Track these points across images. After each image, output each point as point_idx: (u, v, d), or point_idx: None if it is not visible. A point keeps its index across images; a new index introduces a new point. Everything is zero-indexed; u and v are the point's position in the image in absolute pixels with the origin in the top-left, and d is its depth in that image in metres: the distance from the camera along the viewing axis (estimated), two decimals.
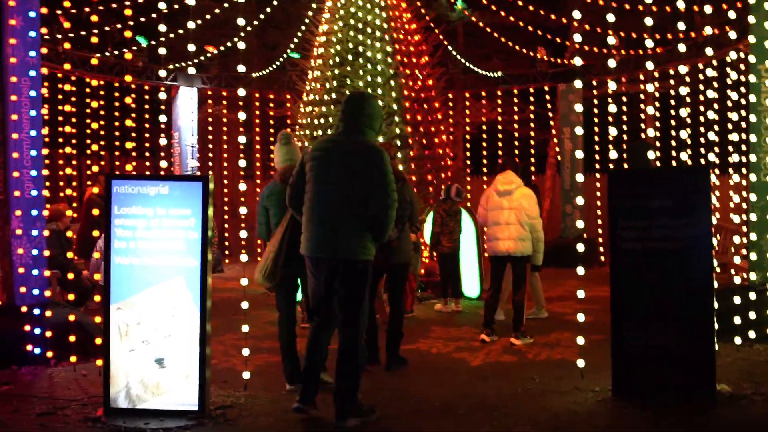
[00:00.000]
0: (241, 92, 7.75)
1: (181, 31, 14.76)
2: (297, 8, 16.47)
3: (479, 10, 18.59)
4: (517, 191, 8.69)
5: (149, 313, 5.85)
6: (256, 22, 16.18)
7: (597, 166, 18.14)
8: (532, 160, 19.20)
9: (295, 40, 15.85)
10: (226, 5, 15.34)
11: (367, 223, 5.48)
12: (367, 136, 5.65)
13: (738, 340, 7.71)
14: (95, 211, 8.65)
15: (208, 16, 15.36)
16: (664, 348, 6.01)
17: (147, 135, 18.61)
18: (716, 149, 9.86)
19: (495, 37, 17.66)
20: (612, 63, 7.66)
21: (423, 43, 13.42)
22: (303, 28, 14.68)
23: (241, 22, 6.48)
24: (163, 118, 8.07)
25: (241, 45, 6.70)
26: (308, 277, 5.78)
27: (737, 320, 7.68)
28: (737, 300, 7.75)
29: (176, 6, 12.05)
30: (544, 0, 17.43)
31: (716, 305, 6.89)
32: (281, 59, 16.88)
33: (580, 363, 6.64)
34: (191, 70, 14.92)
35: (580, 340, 6.72)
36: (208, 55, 16.42)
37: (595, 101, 17.53)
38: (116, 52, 14.56)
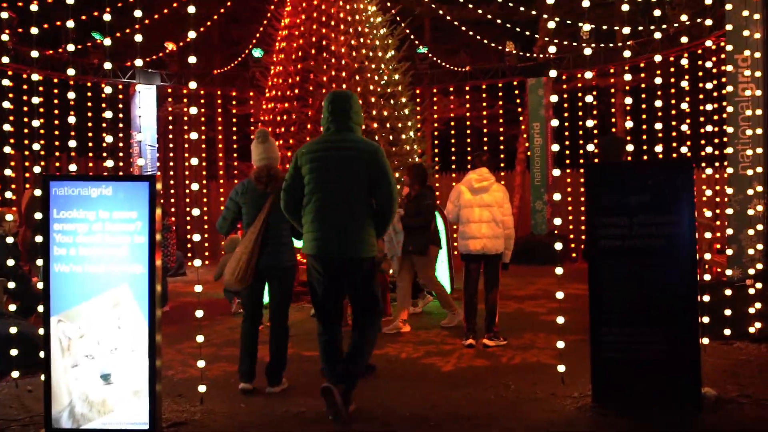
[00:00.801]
0: (192, 85, 7.34)
1: (138, 27, 14.33)
2: (259, 2, 16.00)
3: (447, 4, 18.24)
4: (492, 187, 8.35)
5: (93, 325, 5.38)
6: (216, 17, 15.68)
7: (567, 161, 17.90)
8: (502, 156, 18.89)
9: (258, 35, 15.37)
10: None
11: (370, 219, 5.59)
12: (357, 132, 5.74)
13: (712, 339, 7.40)
14: (37, 215, 8.12)
15: (166, 11, 14.84)
16: (646, 351, 5.66)
17: (104, 134, 18.00)
18: (689, 142, 9.60)
19: (463, 31, 17.31)
20: (588, 51, 7.26)
21: (388, 37, 13.00)
22: (265, 22, 14.21)
23: (191, 9, 5.98)
24: (108, 114, 7.52)
25: (192, 34, 6.21)
26: (313, 278, 5.74)
27: (707, 319, 7.37)
28: (707, 298, 7.44)
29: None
30: None
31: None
32: (243, 56, 16.39)
33: (561, 368, 6.29)
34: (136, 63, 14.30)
35: (560, 344, 6.35)
36: (167, 51, 15.87)
37: (565, 95, 17.27)
38: (70, 49, 13.94)
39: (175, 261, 11.52)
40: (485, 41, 16.89)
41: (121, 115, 16.42)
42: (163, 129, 17.72)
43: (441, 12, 17.23)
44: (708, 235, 9.64)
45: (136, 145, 16.32)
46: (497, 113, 19.29)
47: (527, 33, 17.07)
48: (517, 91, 18.69)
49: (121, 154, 16.64)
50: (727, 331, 7.54)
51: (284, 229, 6.44)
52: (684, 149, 7.09)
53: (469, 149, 17.88)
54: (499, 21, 16.29)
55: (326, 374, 5.80)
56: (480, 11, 16.32)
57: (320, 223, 5.56)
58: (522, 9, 15.76)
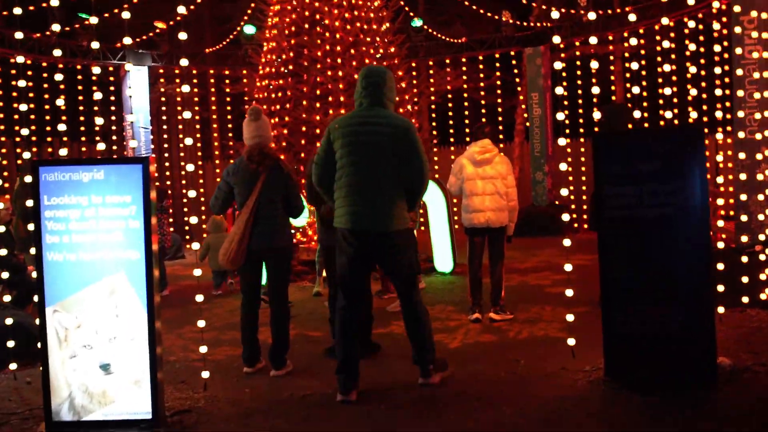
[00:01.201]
0: (184, 62, 7.14)
1: (126, 7, 14.04)
2: None
3: None
4: (495, 159, 8.17)
5: (90, 315, 5.20)
6: None
7: (567, 131, 17.68)
8: (500, 127, 18.65)
9: (249, 11, 15.07)
10: None
11: (401, 193, 5.63)
12: (389, 109, 5.72)
13: (725, 307, 7.24)
14: (28, 202, 7.93)
15: None
16: (660, 323, 5.49)
17: (96, 117, 17.73)
18: (690, 108, 9.39)
19: (457, 1, 17.00)
20: (592, 15, 7.03)
21: (383, 9, 12.73)
22: None
23: None
24: (98, 96, 7.32)
25: (181, 9, 6.00)
26: (339, 253, 5.75)
27: (721, 288, 7.22)
28: (721, 266, 7.27)
29: None
30: None
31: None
32: (234, 33, 16.10)
33: (571, 341, 6.14)
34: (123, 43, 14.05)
35: (569, 317, 6.21)
36: (157, 31, 15.58)
37: (563, 64, 17.01)
38: (56, 29, 13.67)
39: (170, 242, 11.34)
40: (481, 11, 16.59)
41: (112, 98, 16.16)
42: (156, 110, 17.46)
43: None
44: (720, 201, 9.46)
45: (128, 127, 16.07)
46: (495, 84, 19.00)
47: (524, 1, 16.77)
48: (514, 62, 18.42)
49: (114, 137, 16.37)
50: (745, 299, 7.38)
51: (278, 209, 6.30)
52: (694, 114, 6.93)
53: (467, 122, 17.65)
54: None
55: (337, 353, 5.73)
56: None
57: (352, 197, 5.58)
58: None
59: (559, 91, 6.48)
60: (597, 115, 6.38)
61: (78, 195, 5.20)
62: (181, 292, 11.25)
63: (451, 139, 19.10)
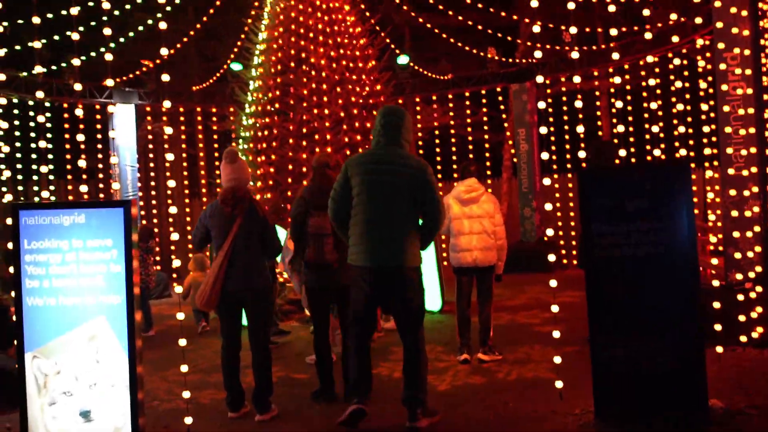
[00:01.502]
0: (167, 104, 7.10)
1: (113, 45, 14.05)
2: (236, 16, 15.74)
3: (426, 11, 18.04)
4: (481, 198, 8.12)
5: (70, 361, 5.13)
6: (192, 32, 15.41)
7: (554, 167, 17.72)
8: (488, 163, 18.66)
9: (235, 50, 15.11)
10: (159, 15, 14.52)
11: (415, 231, 5.76)
12: (405, 149, 5.86)
13: (720, 348, 7.17)
14: (10, 245, 7.84)
15: (141, 28, 14.56)
16: (650, 363, 5.43)
17: (84, 156, 17.64)
18: (677, 143, 9.41)
19: (443, 38, 17.09)
20: (575, 54, 7.05)
21: (369, 47, 12.77)
22: (243, 36, 13.95)
23: (163, 25, 5.75)
24: (80, 137, 7.27)
25: (164, 51, 5.96)
26: (355, 290, 5.85)
27: (719, 326, 7.16)
28: (717, 305, 7.21)
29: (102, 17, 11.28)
30: None
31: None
32: (221, 71, 16.12)
33: (559, 384, 6.05)
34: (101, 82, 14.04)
35: (557, 359, 6.12)
36: (144, 70, 15.58)
37: (549, 100, 17.10)
38: (44, 71, 13.66)
39: (154, 282, 11.22)
40: (466, 48, 16.68)
41: (99, 136, 16.11)
42: (144, 148, 17.39)
43: (420, 20, 16.99)
44: (713, 238, 9.46)
45: (116, 166, 15.98)
46: (481, 120, 19.06)
47: (509, 38, 16.88)
48: (500, 98, 18.50)
49: (100, 176, 16.28)
50: (743, 338, 7.33)
51: (253, 252, 6.24)
52: (683, 151, 6.91)
53: (454, 158, 17.67)
54: (480, 27, 16.06)
55: (352, 374, 5.89)
56: (460, 18, 16.07)
57: (369, 234, 5.69)
58: (503, 14, 15.54)
59: (544, 130, 6.47)
60: (582, 153, 6.34)
61: (59, 239, 5.14)
62: (166, 332, 11.09)
63: (439, 176, 19.04)
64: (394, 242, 5.67)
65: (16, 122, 14.42)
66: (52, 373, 5.12)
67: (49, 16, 10.90)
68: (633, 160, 15.08)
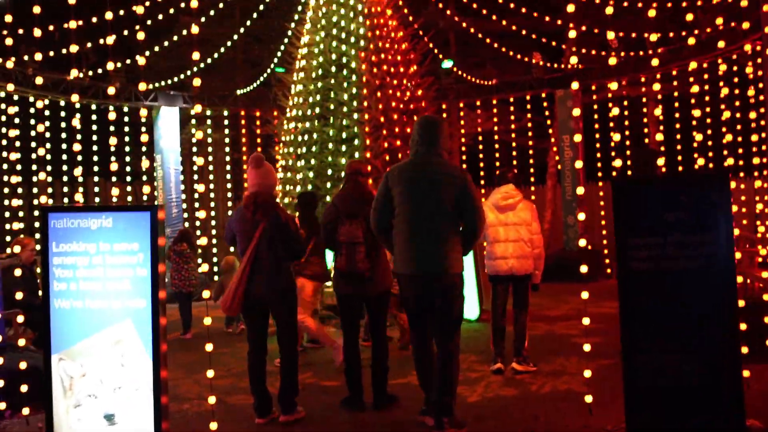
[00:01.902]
0: (198, 108, 7.12)
1: (157, 48, 14.21)
2: (280, 21, 15.80)
3: (472, 16, 17.90)
4: (518, 206, 7.98)
5: (95, 364, 5.14)
6: (236, 36, 15.51)
7: (599, 174, 17.44)
8: (531, 170, 18.44)
9: (279, 54, 15.16)
10: (203, 19, 14.67)
11: (457, 238, 5.85)
12: (444, 157, 6.00)
13: (757, 363, 6.92)
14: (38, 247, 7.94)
15: (184, 32, 14.68)
16: (684, 380, 5.24)
17: (128, 159, 17.90)
18: (726, 152, 9.15)
19: (488, 43, 16.95)
20: (612, 61, 6.87)
21: (411, 52, 12.69)
22: (286, 40, 13.99)
23: (195, 29, 5.77)
24: (113, 141, 7.33)
25: (196, 56, 5.98)
26: (404, 298, 6.06)
27: None
28: None
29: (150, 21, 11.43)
30: (538, 3, 16.75)
31: (745, 325, 6.22)
32: (265, 74, 16.20)
33: (588, 398, 5.90)
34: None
35: (587, 373, 5.97)
36: (188, 73, 15.72)
37: (595, 106, 16.82)
38: (90, 73, 13.87)
39: (191, 286, 11.26)
40: (511, 53, 16.50)
41: (144, 139, 16.28)
42: (188, 152, 17.56)
43: (464, 25, 16.85)
44: (762, 250, 9.15)
45: (159, 168, 16.15)
46: (526, 126, 18.85)
47: (554, 44, 16.66)
48: (545, 104, 18.28)
49: (144, 178, 16.46)
50: None
51: (277, 257, 6.22)
52: (730, 161, 6.69)
53: (497, 164, 17.49)
54: (524, 32, 15.87)
55: (424, 389, 6.07)
56: (504, 22, 15.90)
57: (413, 242, 5.82)
58: (547, 19, 15.33)
59: (578, 138, 6.33)
60: (617, 162, 6.18)
61: (86, 242, 5.15)
62: (203, 335, 11.14)
63: (482, 182, 18.92)
64: (438, 250, 5.75)
65: (63, 124, 14.65)
66: (77, 376, 5.14)
67: (94, 20, 11.02)
68: (680, 168, 14.76)
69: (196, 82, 6.00)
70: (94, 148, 15.04)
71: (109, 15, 5.96)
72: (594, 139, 16.78)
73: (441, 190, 5.79)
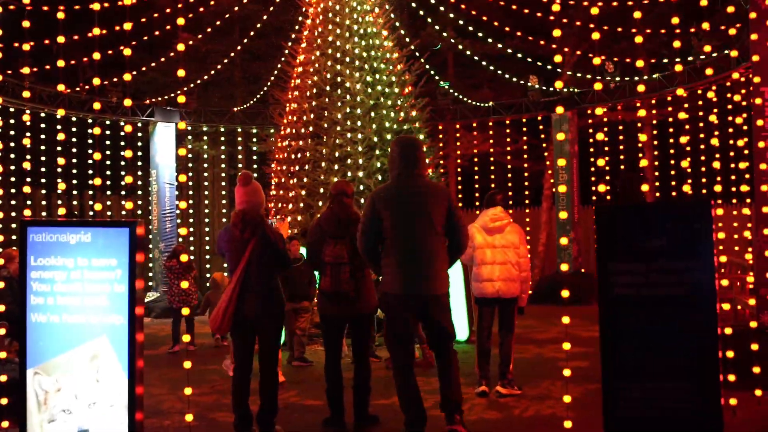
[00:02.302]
0: (181, 125, 7.12)
1: (153, 64, 14.26)
2: (279, 39, 15.86)
3: (469, 38, 17.98)
4: (506, 228, 7.96)
5: (70, 379, 5.12)
6: (232, 54, 15.56)
7: (593, 198, 17.44)
8: (526, 192, 18.45)
9: (275, 72, 15.23)
10: (199, 36, 14.72)
11: (445, 255, 5.96)
12: (425, 177, 6.11)
13: (742, 391, 6.88)
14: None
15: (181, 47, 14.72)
16: (665, 409, 5.21)
17: (123, 173, 17.90)
18: (718, 178, 9.15)
19: (486, 65, 17.00)
20: (598, 86, 6.89)
21: (406, 73, 12.73)
22: (282, 59, 14.04)
23: (180, 47, 5.77)
24: (97, 156, 7.34)
25: (181, 73, 5.98)
26: (391, 318, 5.99)
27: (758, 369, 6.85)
28: (756, 346, 6.92)
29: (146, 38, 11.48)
30: (536, 27, 16.81)
31: (732, 353, 6.22)
32: (261, 92, 16.25)
33: (567, 424, 5.85)
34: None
35: (566, 398, 5.94)
36: (186, 89, 15.79)
37: (590, 130, 16.86)
38: (87, 87, 13.92)
39: (181, 302, 11.20)
40: (506, 75, 16.55)
41: (140, 153, 16.35)
42: (183, 167, 17.59)
43: (460, 47, 16.92)
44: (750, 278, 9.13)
45: (154, 183, 16.17)
46: (521, 148, 18.89)
47: (548, 67, 16.72)
48: (541, 126, 18.31)
49: (139, 192, 16.49)
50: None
51: (267, 276, 6.19)
52: (718, 188, 6.69)
53: (492, 185, 17.52)
54: (519, 55, 15.93)
55: (404, 410, 5.96)
56: (500, 45, 15.97)
57: (405, 263, 5.83)
58: (542, 43, 15.40)
59: (562, 162, 6.37)
60: (601, 187, 6.18)
61: (64, 256, 5.14)
62: (196, 351, 11.10)
63: (477, 203, 18.91)
64: (431, 270, 5.82)
65: (61, 137, 14.67)
66: (52, 390, 5.12)
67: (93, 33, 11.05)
68: (674, 194, 14.76)
69: (181, 99, 6.00)
70: (89, 161, 15.06)
71: (96, 30, 5.98)
72: (588, 163, 16.78)
73: (431, 211, 5.84)
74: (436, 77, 16.35)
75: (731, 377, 6.45)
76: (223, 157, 18.56)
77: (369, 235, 5.99)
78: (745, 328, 7.58)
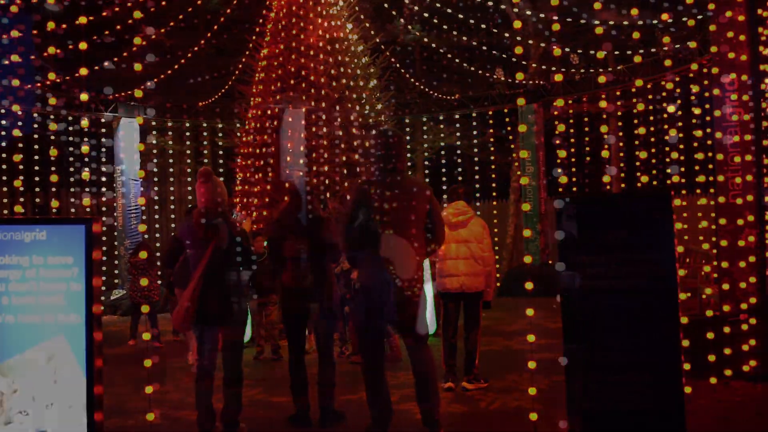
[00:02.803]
0: (139, 120, 7.03)
1: (116, 59, 14.06)
2: (241, 33, 15.73)
3: (436, 31, 17.94)
4: (470, 222, 7.92)
5: (27, 380, 5.00)
6: (196, 48, 15.39)
7: (560, 189, 17.52)
8: (494, 185, 18.49)
9: (240, 66, 15.09)
10: (162, 31, 14.54)
11: (422, 252, 5.92)
12: (406, 171, 6.11)
13: (714, 380, 6.97)
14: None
15: (137, 41, 14.55)
16: (627, 400, 5.22)
17: (87, 170, 17.64)
18: (682, 168, 9.22)
19: (452, 59, 16.99)
20: (558, 77, 6.90)
21: (371, 66, 12.68)
22: (247, 53, 13.92)
23: (137, 41, 5.68)
24: (53, 152, 7.20)
25: (138, 67, 5.88)
26: (356, 307, 6.19)
27: (713, 357, 6.95)
28: (711, 335, 7.01)
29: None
30: (502, 22, 16.86)
31: (687, 342, 6.25)
32: (226, 87, 16.11)
33: (533, 416, 5.86)
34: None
35: (532, 391, 5.93)
36: (149, 84, 15.56)
37: (556, 122, 16.93)
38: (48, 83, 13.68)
39: (142, 297, 11.09)
40: (472, 69, 16.56)
41: (103, 149, 16.11)
42: (148, 162, 17.40)
43: (426, 40, 16.90)
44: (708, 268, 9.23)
45: (119, 178, 15.97)
46: (488, 141, 18.93)
47: (513, 60, 16.76)
48: (508, 119, 18.36)
49: (103, 189, 16.26)
50: (728, 372, 7.11)
51: (229, 273, 6.12)
52: (677, 178, 6.72)
53: (460, 178, 17.53)
54: (485, 48, 15.96)
55: (371, 407, 5.94)
56: (465, 38, 15.97)
57: (380, 258, 5.74)
58: (507, 35, 15.42)
59: (524, 154, 6.36)
60: (563, 179, 6.19)
61: (19, 255, 5.03)
62: (163, 348, 10.99)
63: (444, 195, 18.92)
64: (409, 266, 5.79)
65: (19, 133, 14.45)
66: (8, 392, 5.01)
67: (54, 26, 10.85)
68: (640, 184, 14.86)
69: (138, 93, 5.90)
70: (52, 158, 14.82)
71: (51, 24, 5.86)
72: (556, 155, 16.85)
73: (415, 207, 5.83)
74: (402, 70, 16.29)
75: (686, 366, 6.51)
76: (188, 152, 18.38)
77: (349, 231, 5.92)
78: (701, 318, 7.67)
